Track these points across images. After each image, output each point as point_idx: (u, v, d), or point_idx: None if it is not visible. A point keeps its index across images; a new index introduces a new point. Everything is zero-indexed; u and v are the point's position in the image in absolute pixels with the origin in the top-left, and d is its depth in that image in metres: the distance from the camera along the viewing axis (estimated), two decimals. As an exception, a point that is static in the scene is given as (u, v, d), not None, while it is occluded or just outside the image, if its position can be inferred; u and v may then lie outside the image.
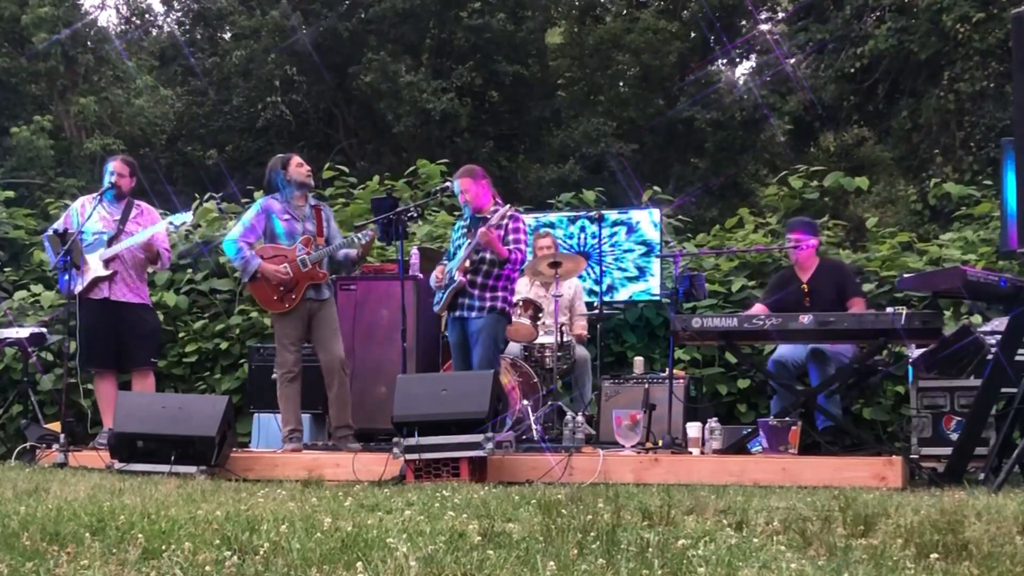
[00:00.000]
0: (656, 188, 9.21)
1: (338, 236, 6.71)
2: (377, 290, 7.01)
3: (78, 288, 6.69)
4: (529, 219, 8.08)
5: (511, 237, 6.44)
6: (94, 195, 6.94)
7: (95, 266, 6.73)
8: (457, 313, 6.47)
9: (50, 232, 6.95)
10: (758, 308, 6.72)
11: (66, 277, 6.67)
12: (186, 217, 7.21)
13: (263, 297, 6.59)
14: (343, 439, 6.52)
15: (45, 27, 18.12)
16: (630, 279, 7.86)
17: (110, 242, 6.77)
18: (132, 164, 7.05)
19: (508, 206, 6.44)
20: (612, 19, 22.87)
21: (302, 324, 6.55)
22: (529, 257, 7.34)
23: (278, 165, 6.63)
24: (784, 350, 6.61)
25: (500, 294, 6.45)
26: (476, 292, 6.41)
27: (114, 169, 6.89)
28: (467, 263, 6.39)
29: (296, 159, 6.66)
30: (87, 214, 6.85)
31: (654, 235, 7.85)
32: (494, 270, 6.43)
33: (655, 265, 7.81)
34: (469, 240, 6.44)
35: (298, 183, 6.58)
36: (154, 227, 6.86)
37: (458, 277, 6.39)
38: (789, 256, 6.81)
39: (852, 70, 16.80)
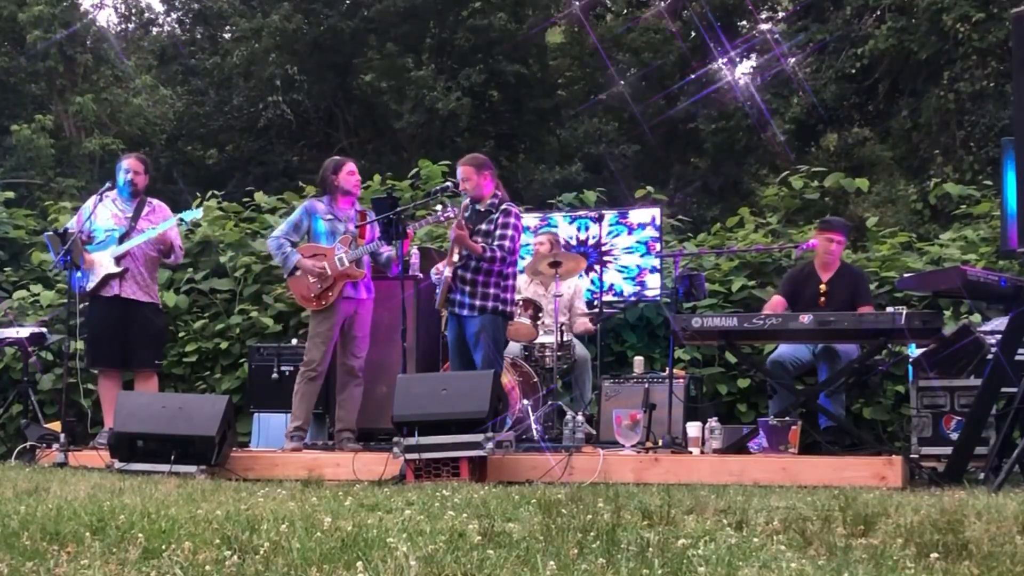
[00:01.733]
0: (650, 188, 9.19)
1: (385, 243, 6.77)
2: (377, 290, 7.00)
3: (89, 286, 6.72)
4: (531, 219, 8.12)
5: (497, 232, 6.32)
6: (108, 193, 6.99)
7: (106, 263, 6.75)
8: (451, 310, 6.42)
9: (50, 232, 6.97)
10: (777, 300, 6.73)
11: (78, 275, 6.72)
12: (197, 214, 7.24)
13: (300, 293, 6.70)
14: (344, 441, 6.54)
15: (42, 26, 18.11)
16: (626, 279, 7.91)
17: (121, 239, 6.79)
18: (146, 162, 7.13)
19: (466, 201, 6.34)
20: (613, 19, 22.86)
21: (337, 324, 6.58)
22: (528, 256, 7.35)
23: (330, 168, 6.78)
24: (784, 349, 6.61)
25: (492, 291, 6.32)
26: (467, 288, 6.32)
27: (129, 167, 6.93)
28: (454, 258, 6.35)
29: (348, 167, 6.75)
30: (90, 212, 6.90)
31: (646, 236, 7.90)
32: (482, 266, 6.31)
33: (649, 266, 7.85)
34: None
35: (343, 190, 6.69)
36: (165, 223, 6.88)
37: (447, 272, 6.35)
38: (818, 253, 6.76)
39: (852, 70, 16.79)
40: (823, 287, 6.64)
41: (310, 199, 6.91)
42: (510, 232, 6.35)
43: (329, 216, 6.70)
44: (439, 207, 6.61)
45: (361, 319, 6.66)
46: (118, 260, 6.76)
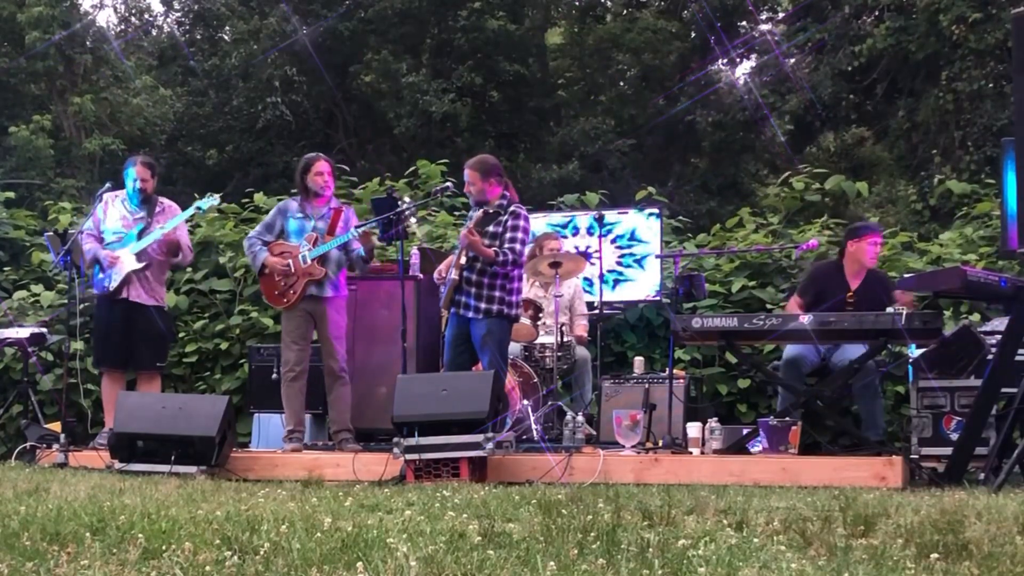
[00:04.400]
0: (651, 189, 9.19)
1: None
2: (377, 290, 7.00)
3: (113, 285, 6.74)
4: (538, 220, 8.16)
5: (507, 235, 6.20)
6: (116, 193, 7.00)
7: (128, 260, 6.76)
8: (454, 310, 6.35)
9: (50, 231, 6.99)
10: (794, 302, 6.67)
11: (100, 276, 6.77)
12: (213, 201, 7.20)
13: (267, 292, 6.70)
14: (343, 442, 6.53)
15: (41, 27, 18.10)
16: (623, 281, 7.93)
17: (140, 235, 6.81)
18: (152, 166, 7.12)
19: (482, 209, 6.27)
20: (612, 19, 22.88)
21: (305, 322, 6.58)
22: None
23: (300, 168, 6.77)
24: (799, 348, 6.51)
25: (497, 294, 6.21)
26: (472, 290, 6.24)
27: (137, 175, 6.93)
28: (462, 260, 6.31)
29: (318, 166, 6.68)
30: (96, 210, 6.93)
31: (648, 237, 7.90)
32: (488, 268, 6.22)
33: (649, 266, 7.86)
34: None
35: (312, 191, 6.68)
36: (176, 219, 6.89)
37: (453, 274, 6.31)
38: (856, 259, 6.57)
39: (850, 68, 16.81)
40: (851, 295, 6.50)
41: (287, 199, 6.92)
42: (519, 235, 6.23)
43: (300, 215, 6.68)
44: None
45: (332, 320, 6.59)
46: (139, 256, 6.77)
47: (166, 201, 7.08)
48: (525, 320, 6.77)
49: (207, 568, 2.61)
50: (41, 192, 16.35)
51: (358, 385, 6.86)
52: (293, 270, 6.53)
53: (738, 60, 21.59)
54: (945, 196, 10.17)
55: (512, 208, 6.28)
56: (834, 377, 6.34)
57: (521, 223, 6.27)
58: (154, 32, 24.37)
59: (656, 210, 8.04)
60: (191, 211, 7.01)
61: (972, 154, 15.12)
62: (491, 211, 6.30)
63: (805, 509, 3.94)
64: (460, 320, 6.32)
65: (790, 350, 6.59)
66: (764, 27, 21.31)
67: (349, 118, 22.31)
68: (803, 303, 6.60)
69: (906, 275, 6.52)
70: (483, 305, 6.22)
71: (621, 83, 22.39)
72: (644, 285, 7.88)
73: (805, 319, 5.77)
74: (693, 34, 21.51)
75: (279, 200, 9.65)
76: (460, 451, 5.49)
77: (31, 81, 19.54)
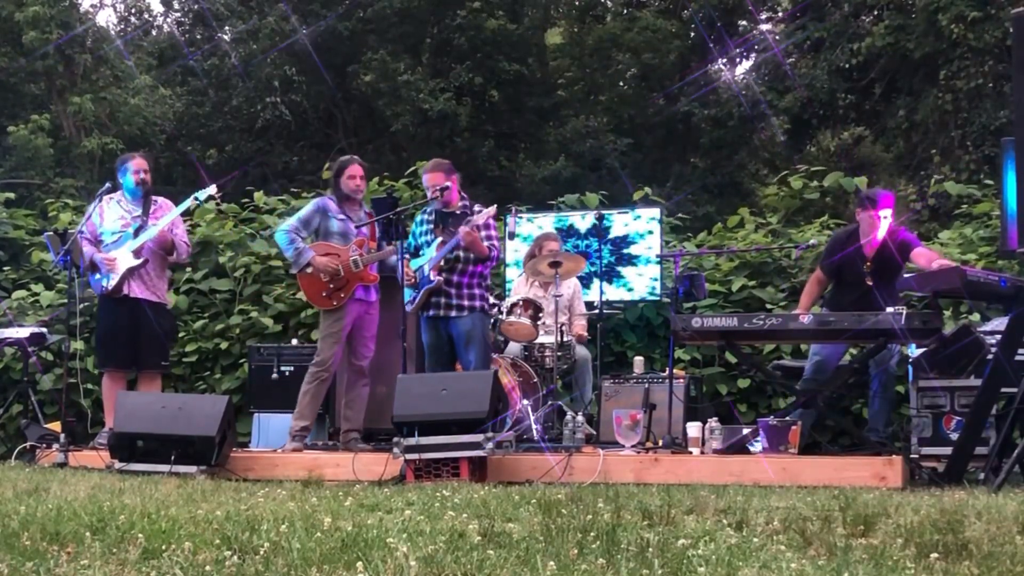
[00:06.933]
0: (647, 189, 9.19)
1: (385, 243, 6.79)
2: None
3: (111, 284, 6.73)
4: (542, 219, 8.17)
5: (484, 234, 6.40)
6: (111, 195, 6.98)
7: (125, 258, 6.75)
8: (432, 312, 6.43)
9: (50, 231, 6.99)
10: (815, 277, 6.63)
11: (97, 276, 6.76)
12: (211, 190, 7.15)
13: (311, 292, 6.65)
14: (352, 441, 6.53)
15: (39, 26, 18.08)
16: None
17: (136, 233, 6.80)
18: (148, 159, 7.16)
19: (492, 208, 6.41)
20: (612, 19, 22.88)
21: (347, 325, 6.59)
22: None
23: (335, 170, 6.80)
24: (827, 351, 6.43)
25: (477, 291, 6.46)
26: (453, 291, 6.38)
27: (138, 167, 6.93)
28: (442, 262, 6.38)
29: (351, 170, 6.70)
30: (92, 213, 6.92)
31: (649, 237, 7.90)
32: (469, 267, 6.41)
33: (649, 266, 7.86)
34: (439, 237, 6.43)
35: (343, 194, 6.69)
36: (174, 211, 6.88)
37: (433, 276, 6.36)
38: (870, 230, 6.37)
39: (847, 65, 16.83)
40: (869, 266, 6.38)
41: (323, 197, 6.88)
42: (494, 232, 6.48)
43: (342, 216, 6.68)
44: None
45: (371, 320, 6.70)
46: (136, 253, 6.77)
47: (161, 199, 7.07)
48: (525, 320, 6.78)
49: (207, 568, 2.62)
50: (40, 192, 16.35)
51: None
52: (343, 273, 6.52)
53: (738, 59, 21.60)
54: (943, 196, 10.16)
55: (477, 208, 6.46)
56: (834, 377, 6.34)
57: (492, 221, 6.48)
58: (154, 32, 24.36)
59: (655, 210, 8.05)
60: (188, 202, 6.99)
61: (971, 153, 15.12)
62: (457, 211, 6.46)
63: (805, 509, 3.94)
64: (439, 322, 6.44)
65: (816, 351, 6.47)
66: (764, 26, 21.31)
67: (348, 118, 22.29)
68: (824, 278, 6.58)
69: (906, 275, 6.52)
70: (466, 303, 6.41)
71: (621, 83, 22.38)
72: (643, 285, 7.89)
73: (805, 319, 5.77)
74: (693, 33, 21.50)
75: (279, 200, 9.71)
76: (460, 451, 5.49)
77: (30, 81, 19.52)
